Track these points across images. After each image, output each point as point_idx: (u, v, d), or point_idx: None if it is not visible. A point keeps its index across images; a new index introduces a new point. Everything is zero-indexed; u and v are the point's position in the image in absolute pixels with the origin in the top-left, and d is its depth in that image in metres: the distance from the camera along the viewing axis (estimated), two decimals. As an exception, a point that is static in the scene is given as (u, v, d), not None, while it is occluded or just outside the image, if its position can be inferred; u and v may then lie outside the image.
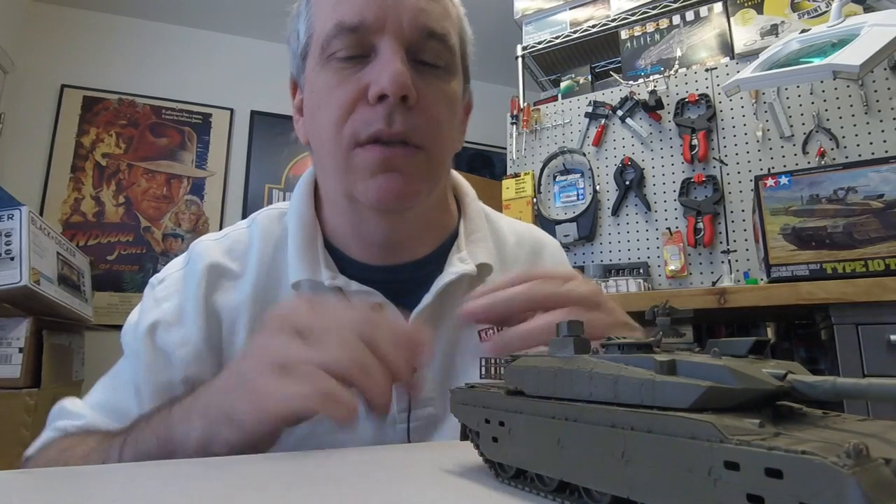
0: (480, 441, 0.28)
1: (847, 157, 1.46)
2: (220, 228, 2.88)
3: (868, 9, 1.33)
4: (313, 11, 0.53)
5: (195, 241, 0.60)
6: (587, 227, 1.79)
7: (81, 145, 2.81)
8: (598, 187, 1.81)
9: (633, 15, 1.88)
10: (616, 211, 1.77)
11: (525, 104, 2.00)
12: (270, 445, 0.39)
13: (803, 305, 1.14)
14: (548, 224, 1.83)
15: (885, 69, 1.44)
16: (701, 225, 1.62)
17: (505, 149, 2.12)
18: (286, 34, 0.58)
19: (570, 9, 2.02)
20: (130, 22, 2.97)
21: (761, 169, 1.57)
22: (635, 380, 0.20)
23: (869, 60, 0.99)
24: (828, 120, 1.50)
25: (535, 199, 1.90)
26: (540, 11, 2.07)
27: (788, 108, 1.56)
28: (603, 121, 1.84)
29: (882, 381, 0.18)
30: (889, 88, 1.44)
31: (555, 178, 1.91)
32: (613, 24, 1.91)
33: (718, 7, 1.74)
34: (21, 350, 1.67)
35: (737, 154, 1.62)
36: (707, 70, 1.71)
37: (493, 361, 0.32)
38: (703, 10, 1.76)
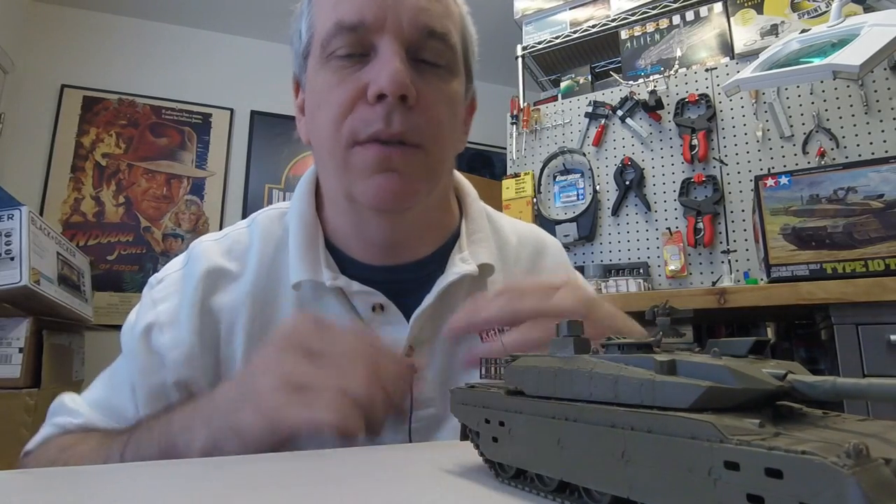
0: (480, 441, 0.28)
1: (847, 157, 1.46)
2: (221, 228, 2.87)
3: (868, 9, 1.33)
4: (314, 11, 0.53)
5: (195, 241, 0.60)
6: (587, 227, 1.79)
7: (81, 145, 2.81)
8: (598, 187, 1.81)
9: (633, 15, 1.88)
10: (616, 211, 1.77)
11: (525, 104, 2.00)
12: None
13: (803, 305, 1.14)
14: (548, 224, 1.83)
15: (885, 69, 1.44)
16: (701, 225, 1.62)
17: (505, 149, 2.12)
18: (289, 34, 0.58)
19: (570, 9, 2.02)
20: (130, 22, 2.97)
21: (761, 169, 1.57)
22: (635, 380, 0.20)
23: (869, 60, 0.98)
24: (828, 120, 1.50)
25: (535, 199, 1.90)
26: (540, 11, 2.07)
27: (788, 108, 1.56)
28: (603, 121, 1.84)
29: (882, 381, 0.18)
30: (889, 88, 1.44)
31: (555, 178, 1.91)
32: (613, 24, 1.91)
33: (718, 7, 1.74)
34: (21, 350, 1.67)
35: (737, 154, 1.62)
36: (707, 70, 1.71)
37: (493, 361, 0.32)
38: (703, 10, 1.76)
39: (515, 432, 0.26)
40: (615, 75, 1.94)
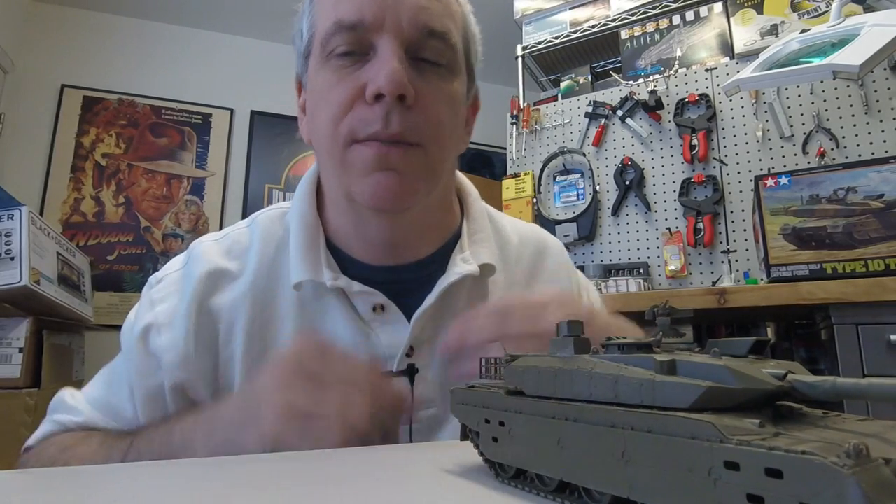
0: (480, 441, 0.28)
1: (847, 157, 1.46)
2: (221, 228, 2.86)
3: (868, 9, 1.33)
4: (316, 10, 0.53)
5: (195, 241, 0.59)
6: (587, 227, 1.79)
7: (81, 145, 2.81)
8: (598, 187, 1.81)
9: (633, 15, 1.88)
10: (616, 211, 1.77)
11: (525, 104, 2.00)
12: None
13: (803, 305, 1.14)
14: (548, 224, 1.83)
15: (885, 69, 1.44)
16: (701, 225, 1.62)
17: (505, 149, 2.12)
18: (292, 34, 0.58)
19: (570, 9, 2.02)
20: (130, 22, 2.97)
21: (761, 169, 1.57)
22: (635, 380, 0.20)
23: (869, 60, 0.98)
24: (828, 120, 1.50)
25: (535, 199, 1.90)
26: (540, 11, 2.07)
27: (788, 108, 1.56)
28: (603, 121, 1.84)
29: (882, 381, 0.18)
30: (889, 88, 1.44)
31: (555, 178, 1.91)
32: (613, 24, 1.91)
33: (718, 7, 1.74)
34: (21, 350, 1.67)
35: (737, 154, 1.62)
36: (707, 70, 1.71)
37: (493, 361, 0.32)
38: (703, 10, 1.76)
39: (515, 432, 0.26)
40: (615, 75, 1.94)
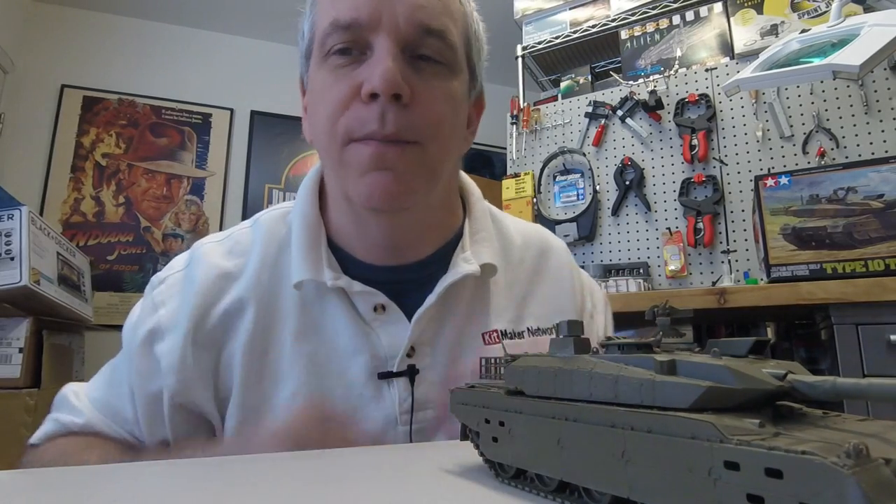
0: (480, 441, 0.28)
1: (847, 157, 1.46)
2: (220, 228, 2.86)
3: (868, 9, 1.33)
4: (316, 10, 0.53)
5: (198, 242, 0.59)
6: (587, 227, 1.79)
7: (81, 145, 2.81)
8: (598, 187, 1.81)
9: (633, 15, 1.88)
10: (616, 211, 1.77)
11: (525, 104, 1.99)
12: None
13: (803, 305, 1.13)
14: (548, 224, 1.83)
15: (885, 69, 1.44)
16: (701, 225, 1.62)
17: (505, 149, 2.12)
18: (297, 35, 0.58)
19: (570, 9, 2.02)
20: (130, 22, 2.97)
21: (761, 169, 1.57)
22: (635, 380, 0.20)
23: (869, 60, 0.98)
24: (828, 120, 1.50)
25: (535, 199, 1.90)
26: (540, 11, 2.07)
27: (788, 108, 1.56)
28: (603, 121, 1.84)
29: (882, 381, 0.18)
30: (889, 88, 1.44)
31: (555, 178, 1.91)
32: (613, 24, 1.91)
33: (718, 7, 1.74)
34: (21, 350, 1.67)
35: (737, 154, 1.62)
36: (707, 70, 1.71)
37: (493, 361, 0.32)
38: (703, 10, 1.76)
39: (515, 432, 0.26)
40: (615, 75, 1.94)
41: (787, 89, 1.56)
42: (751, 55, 1.58)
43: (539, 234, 0.68)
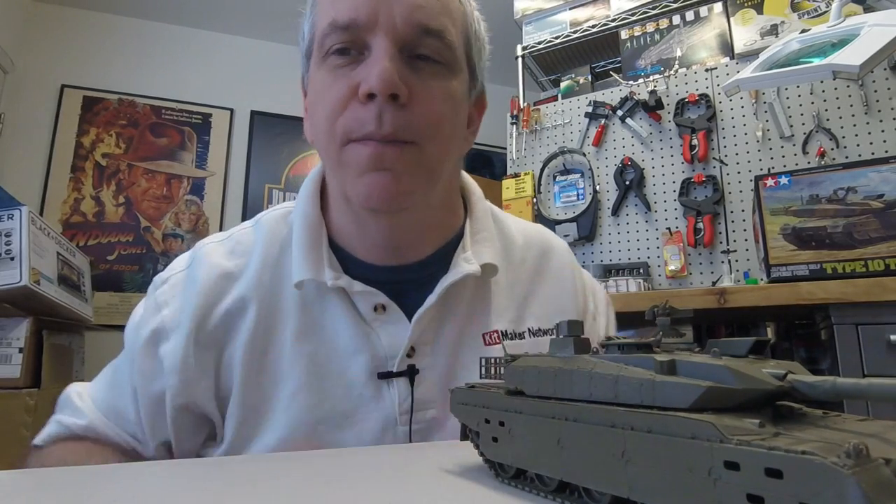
0: (480, 441, 0.28)
1: (847, 157, 1.46)
2: (220, 229, 2.85)
3: (868, 9, 1.33)
4: (316, 11, 0.53)
5: (200, 241, 0.60)
6: (587, 227, 1.79)
7: (81, 145, 2.81)
8: (598, 187, 1.81)
9: (633, 15, 1.88)
10: (616, 211, 1.77)
11: (525, 104, 1.99)
12: None
13: (803, 305, 1.13)
14: (548, 224, 1.83)
15: (885, 69, 1.44)
16: (701, 225, 1.62)
17: (505, 149, 2.12)
18: (298, 36, 0.58)
19: (570, 9, 2.02)
20: (130, 22, 2.97)
21: (761, 169, 1.57)
22: (635, 380, 0.20)
23: (869, 60, 0.98)
24: (828, 120, 1.50)
25: (535, 199, 1.90)
26: (540, 11, 2.07)
27: (788, 108, 1.56)
28: (603, 121, 1.84)
29: (882, 381, 0.18)
30: (889, 88, 1.44)
31: (555, 178, 1.91)
32: (613, 24, 1.91)
33: (718, 7, 1.74)
34: (21, 350, 1.67)
35: (737, 154, 1.62)
36: (707, 70, 1.71)
37: (493, 361, 0.32)
38: (703, 10, 1.76)
39: (515, 432, 0.26)
40: (615, 75, 1.94)
41: (787, 89, 1.56)
42: (751, 55, 1.58)
43: (541, 234, 0.68)
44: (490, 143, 3.32)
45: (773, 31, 1.61)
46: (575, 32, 1.97)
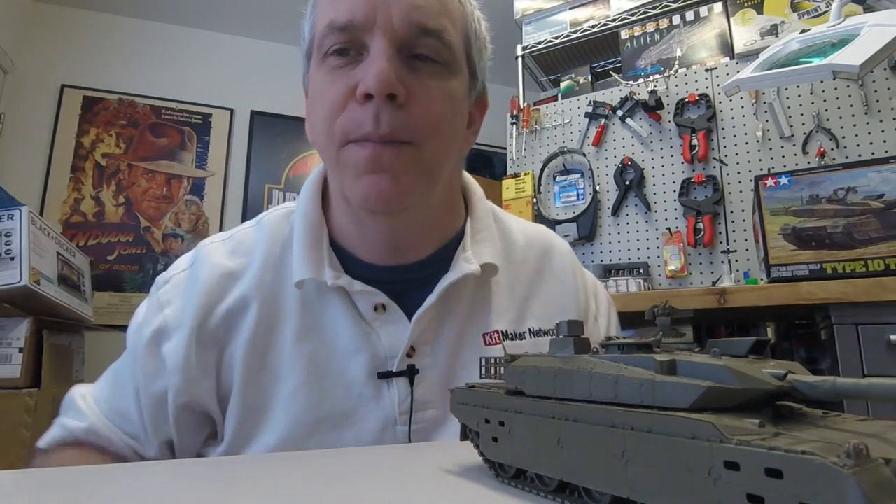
0: (480, 441, 0.28)
1: (847, 157, 1.46)
2: (220, 229, 2.85)
3: (868, 9, 1.33)
4: (316, 12, 0.53)
5: (202, 241, 0.60)
6: (587, 227, 1.79)
7: (81, 145, 2.81)
8: (598, 187, 1.81)
9: (633, 15, 1.88)
10: (616, 211, 1.77)
11: (525, 104, 1.99)
12: None
13: (803, 305, 1.13)
14: (548, 224, 1.83)
15: (885, 69, 1.44)
16: (701, 225, 1.62)
17: (505, 149, 2.12)
18: (299, 37, 0.58)
19: (570, 9, 2.02)
20: (130, 22, 2.97)
21: (761, 169, 1.57)
22: (635, 380, 0.20)
23: (869, 60, 0.98)
24: (828, 120, 1.50)
25: (535, 199, 1.90)
26: (540, 11, 2.07)
27: (788, 108, 1.56)
28: (603, 121, 1.84)
29: (882, 381, 0.18)
30: (889, 88, 1.44)
31: (555, 178, 1.91)
32: (613, 24, 1.91)
33: (718, 7, 1.74)
34: (21, 350, 1.67)
35: (737, 154, 1.62)
36: (707, 70, 1.71)
37: (493, 361, 0.32)
38: (703, 10, 1.76)
39: (515, 432, 0.26)
40: (615, 75, 1.94)
41: (787, 89, 1.56)
42: (751, 55, 1.58)
43: (542, 234, 0.68)
44: (490, 143, 3.32)
45: (773, 31, 1.61)
46: (575, 32, 1.97)
